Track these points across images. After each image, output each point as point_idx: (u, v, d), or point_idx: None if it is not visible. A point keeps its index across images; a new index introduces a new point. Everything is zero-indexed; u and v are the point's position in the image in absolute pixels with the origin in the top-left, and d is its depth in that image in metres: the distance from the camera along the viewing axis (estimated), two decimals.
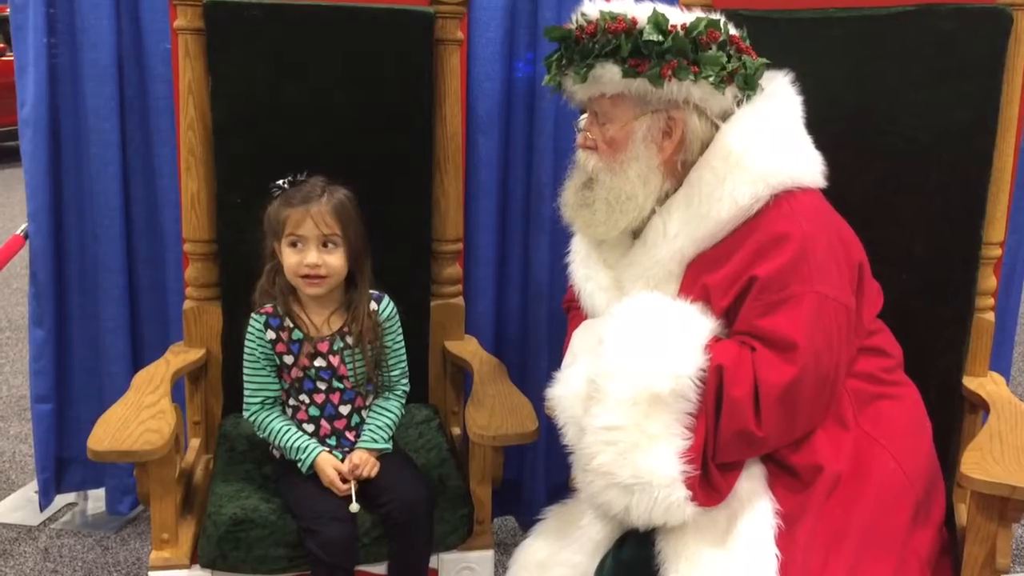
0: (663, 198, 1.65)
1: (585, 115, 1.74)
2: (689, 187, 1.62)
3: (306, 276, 1.79)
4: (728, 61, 1.60)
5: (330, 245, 1.80)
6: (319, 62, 2.09)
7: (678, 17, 1.59)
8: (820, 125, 1.68)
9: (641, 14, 1.58)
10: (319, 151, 2.09)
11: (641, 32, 1.56)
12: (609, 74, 1.59)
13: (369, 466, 1.82)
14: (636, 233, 1.71)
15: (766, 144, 1.60)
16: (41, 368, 2.53)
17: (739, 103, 1.64)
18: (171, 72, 2.23)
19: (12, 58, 2.44)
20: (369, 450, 1.85)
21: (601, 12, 1.60)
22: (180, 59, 2.06)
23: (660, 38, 1.56)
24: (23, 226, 2.48)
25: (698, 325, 1.53)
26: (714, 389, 1.48)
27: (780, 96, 1.68)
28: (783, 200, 1.57)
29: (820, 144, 1.67)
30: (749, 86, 1.64)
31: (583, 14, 1.63)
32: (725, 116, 1.64)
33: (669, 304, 1.57)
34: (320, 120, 2.11)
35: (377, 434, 1.87)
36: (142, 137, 2.42)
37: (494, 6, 2.35)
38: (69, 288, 2.52)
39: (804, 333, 1.49)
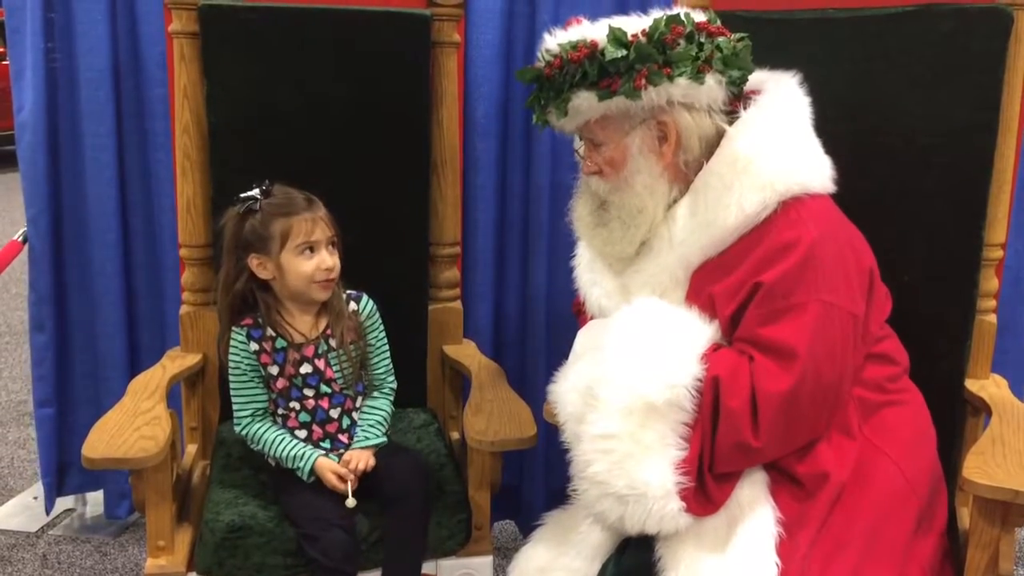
0: (672, 203, 1.63)
1: (580, 141, 1.73)
2: (695, 193, 1.60)
3: (321, 281, 1.80)
4: (700, 50, 1.57)
5: (331, 247, 1.81)
6: (315, 65, 2.08)
7: (636, 24, 1.57)
8: (819, 126, 1.66)
9: (599, 34, 1.56)
10: (315, 155, 2.09)
11: (603, 52, 1.55)
12: (585, 102, 1.59)
13: (364, 459, 1.81)
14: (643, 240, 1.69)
15: (774, 149, 1.56)
16: (43, 373, 2.53)
17: (729, 83, 1.61)
18: (167, 76, 2.22)
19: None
20: (364, 448, 1.85)
21: (560, 44, 1.59)
22: (175, 63, 2.05)
23: (623, 52, 1.55)
24: (21, 231, 2.47)
25: (697, 333, 1.52)
26: (710, 400, 1.47)
27: (787, 99, 1.65)
28: (791, 207, 1.53)
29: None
30: (730, 66, 1.61)
31: (546, 50, 1.62)
32: (715, 103, 1.62)
33: (668, 311, 1.56)
34: (316, 124, 2.10)
35: (370, 432, 1.87)
36: (139, 141, 2.41)
37: (491, 8, 2.33)
38: (69, 293, 2.51)
39: (805, 342, 1.46)
